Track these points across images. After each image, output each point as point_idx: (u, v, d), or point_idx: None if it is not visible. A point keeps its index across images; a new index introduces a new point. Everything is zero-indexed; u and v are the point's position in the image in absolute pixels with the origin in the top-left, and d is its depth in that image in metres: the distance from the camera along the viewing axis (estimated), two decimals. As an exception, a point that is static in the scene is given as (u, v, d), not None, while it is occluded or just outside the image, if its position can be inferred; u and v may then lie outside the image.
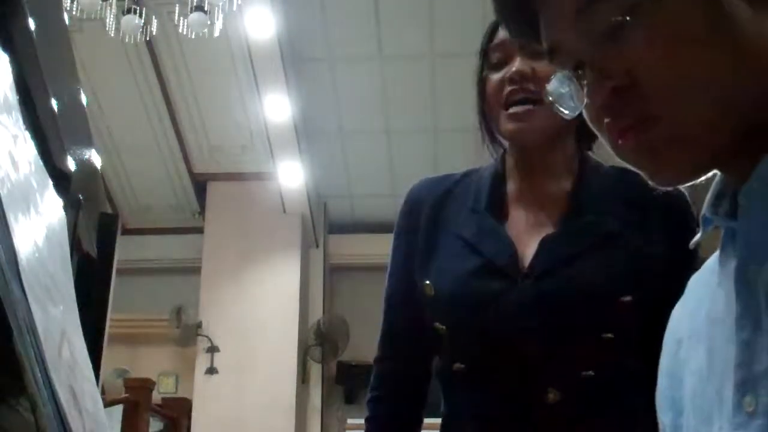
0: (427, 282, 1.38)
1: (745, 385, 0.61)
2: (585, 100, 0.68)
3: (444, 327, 1.35)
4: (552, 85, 0.70)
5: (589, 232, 1.33)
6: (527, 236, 1.34)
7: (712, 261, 0.75)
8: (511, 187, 1.42)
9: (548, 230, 1.34)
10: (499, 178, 1.44)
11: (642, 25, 0.64)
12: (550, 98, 0.71)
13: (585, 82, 0.67)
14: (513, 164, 1.44)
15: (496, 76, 1.39)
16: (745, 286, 0.63)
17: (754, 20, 0.63)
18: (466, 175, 1.50)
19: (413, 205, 1.51)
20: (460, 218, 1.41)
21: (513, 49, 1.36)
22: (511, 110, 1.35)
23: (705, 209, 0.70)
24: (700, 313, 0.72)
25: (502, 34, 1.39)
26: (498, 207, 1.40)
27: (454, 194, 1.47)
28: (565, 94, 0.69)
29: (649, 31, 0.63)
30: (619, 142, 0.66)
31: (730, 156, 0.66)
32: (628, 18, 0.63)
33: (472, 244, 1.36)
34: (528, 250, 1.33)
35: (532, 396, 1.28)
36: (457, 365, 1.35)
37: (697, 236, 0.72)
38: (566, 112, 0.70)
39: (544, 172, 1.39)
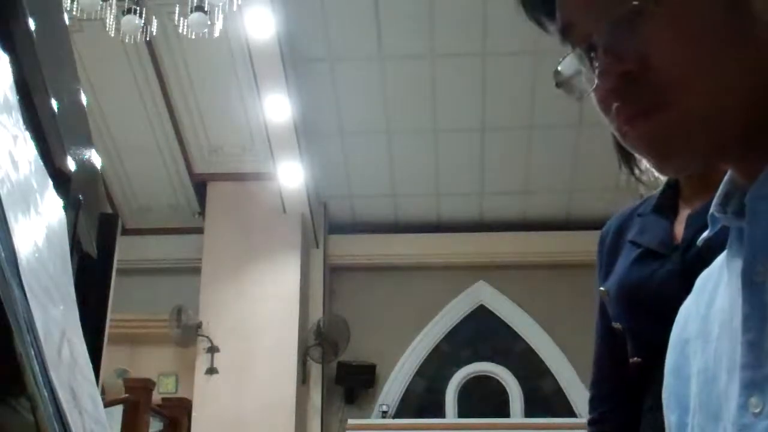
0: (602, 288, 1.48)
1: (752, 386, 0.61)
2: (595, 83, 0.67)
3: (619, 325, 1.43)
4: (563, 66, 0.70)
5: None
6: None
7: (720, 259, 0.75)
8: (684, 190, 1.49)
9: None
10: (671, 186, 1.50)
11: (660, 12, 0.63)
12: (559, 80, 0.71)
13: (596, 64, 0.66)
14: None
15: None
16: (751, 287, 0.63)
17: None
18: (651, 196, 1.57)
19: (602, 237, 1.60)
20: (633, 227, 1.51)
21: None
22: None
23: (713, 207, 0.71)
24: (709, 312, 0.72)
25: None
26: (667, 209, 1.47)
27: (637, 212, 1.55)
28: (575, 76, 0.69)
29: (667, 18, 0.63)
30: (626, 128, 0.66)
31: (740, 151, 0.66)
32: (647, 4, 0.63)
33: (634, 241, 1.46)
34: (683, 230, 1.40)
35: None
36: (634, 359, 1.41)
37: (705, 234, 0.73)
38: (575, 95, 0.70)
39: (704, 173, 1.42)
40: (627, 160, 1.49)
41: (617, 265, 1.48)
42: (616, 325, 1.44)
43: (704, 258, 1.28)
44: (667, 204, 1.47)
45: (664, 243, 1.39)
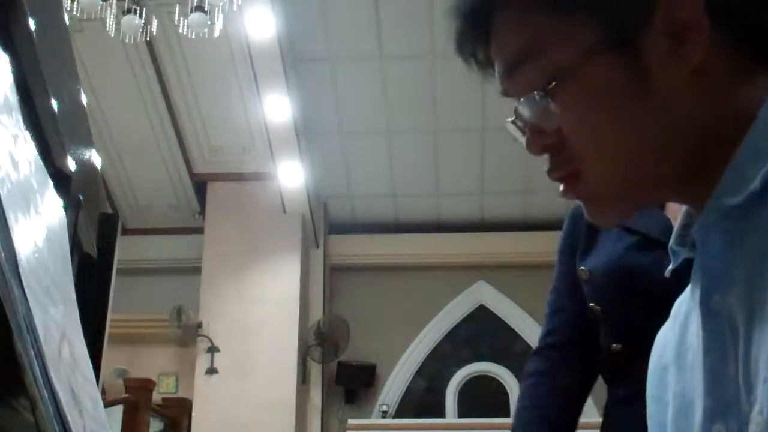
0: (582, 267, 1.44)
1: (714, 413, 0.62)
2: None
3: (599, 307, 1.40)
4: (509, 129, 0.75)
5: None
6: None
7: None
8: None
9: None
10: None
11: (563, 95, 0.68)
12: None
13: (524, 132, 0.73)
14: None
15: None
16: (709, 315, 0.64)
17: (670, 78, 0.66)
18: None
19: (575, 213, 1.56)
20: None
21: None
22: None
23: (672, 241, 0.73)
24: (684, 339, 0.74)
25: None
26: None
27: None
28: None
29: (570, 101, 0.68)
30: (559, 185, 0.73)
31: (680, 191, 0.70)
32: (545, 89, 0.68)
33: (626, 226, 1.41)
34: None
35: None
36: (615, 346, 1.38)
37: (669, 267, 0.75)
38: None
39: None
40: None
41: (602, 247, 1.43)
42: (595, 306, 1.41)
43: None
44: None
45: (668, 233, 1.38)
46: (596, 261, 1.42)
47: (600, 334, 1.42)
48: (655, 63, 0.65)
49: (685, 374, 0.71)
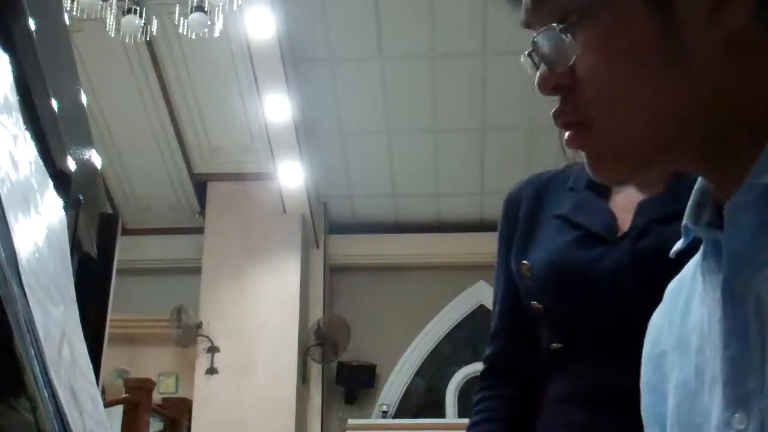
0: (525, 262, 1.36)
1: (736, 402, 0.60)
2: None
3: (540, 305, 1.33)
4: (523, 62, 0.71)
5: (688, 194, 1.31)
6: (630, 206, 1.31)
7: (691, 268, 0.73)
8: None
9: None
10: None
11: (582, 34, 0.64)
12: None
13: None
14: None
15: None
16: (732, 299, 0.61)
17: (704, 41, 0.62)
18: (569, 166, 1.44)
19: (510, 201, 1.47)
20: (559, 199, 1.40)
21: None
22: None
23: (686, 218, 0.70)
24: (685, 325, 0.71)
25: None
26: (600, 187, 1.34)
27: (555, 181, 1.44)
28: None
29: (589, 41, 0.64)
30: (563, 131, 0.68)
31: (701, 163, 0.67)
32: (566, 22, 0.65)
33: (569, 219, 1.35)
34: (627, 217, 1.30)
35: (633, 369, 1.22)
36: (555, 345, 1.31)
37: (678, 245, 0.71)
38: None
39: None
40: None
41: (543, 240, 1.37)
42: (536, 304, 1.34)
43: (657, 251, 1.19)
44: (600, 183, 1.39)
45: (611, 228, 1.29)
46: (537, 255, 1.35)
47: (541, 333, 1.37)
48: (691, 24, 0.62)
49: (689, 361, 0.68)
